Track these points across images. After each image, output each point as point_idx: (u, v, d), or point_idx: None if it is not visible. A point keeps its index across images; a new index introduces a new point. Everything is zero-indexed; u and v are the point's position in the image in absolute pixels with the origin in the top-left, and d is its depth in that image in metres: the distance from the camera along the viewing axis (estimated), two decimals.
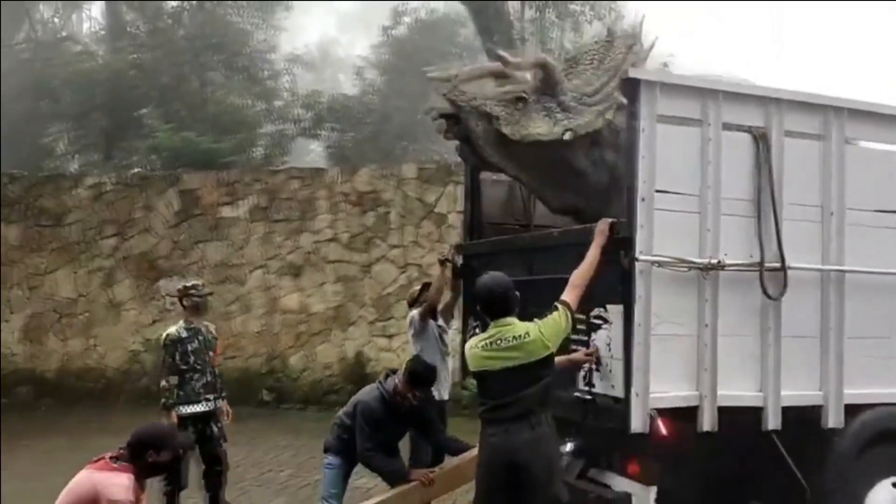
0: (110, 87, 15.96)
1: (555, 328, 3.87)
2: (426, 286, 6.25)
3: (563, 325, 3.89)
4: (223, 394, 6.31)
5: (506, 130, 4.12)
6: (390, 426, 4.92)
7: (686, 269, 4.02)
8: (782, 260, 4.16)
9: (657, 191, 3.97)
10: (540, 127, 4.14)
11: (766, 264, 4.14)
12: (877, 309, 4.50)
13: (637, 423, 3.90)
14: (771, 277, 4.15)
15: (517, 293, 4.02)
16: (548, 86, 4.25)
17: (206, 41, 15.65)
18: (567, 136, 4.19)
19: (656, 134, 3.98)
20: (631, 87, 4.02)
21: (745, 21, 37.78)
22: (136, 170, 14.11)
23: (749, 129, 4.22)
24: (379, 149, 15.63)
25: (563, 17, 13.61)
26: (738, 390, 4.16)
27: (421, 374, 4.91)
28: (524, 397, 3.83)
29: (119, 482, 3.49)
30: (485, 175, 5.61)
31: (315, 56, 19.80)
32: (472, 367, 4.06)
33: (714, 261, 4.05)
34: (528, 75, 4.42)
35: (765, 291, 4.14)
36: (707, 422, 4.05)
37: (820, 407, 4.36)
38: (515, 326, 3.90)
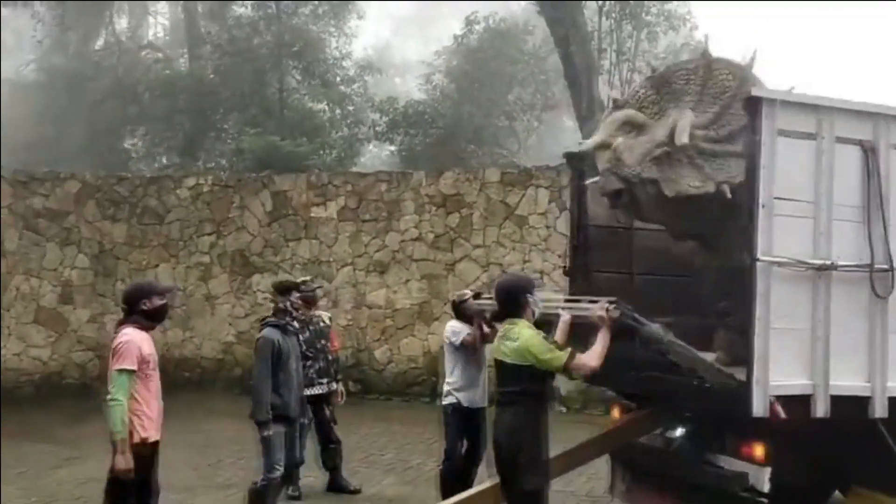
0: (192, 93, 16.75)
1: (541, 353, 4.19)
2: (477, 295, 6.40)
3: (553, 362, 4.19)
4: (338, 377, 6.99)
5: (667, 192, 4.46)
6: (285, 346, 5.67)
7: (802, 269, 4.40)
8: (890, 262, 4.51)
9: (776, 198, 4.35)
10: (690, 179, 4.45)
11: (876, 265, 4.50)
12: None
13: (758, 408, 4.27)
14: (879, 278, 4.51)
15: (530, 298, 4.41)
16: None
17: (286, 49, 16.27)
18: (726, 190, 4.46)
19: (776, 147, 4.37)
20: (753, 105, 4.41)
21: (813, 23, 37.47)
22: (228, 172, 14.68)
23: (859, 142, 4.56)
24: (448, 152, 16.08)
25: (639, 28, 13.82)
26: (848, 381, 4.51)
27: (280, 281, 6.38)
28: (512, 390, 4.35)
29: (120, 334, 4.39)
30: (589, 179, 5.98)
31: (373, 59, 20.36)
32: (493, 354, 4.58)
33: (827, 262, 4.42)
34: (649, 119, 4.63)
35: (874, 290, 4.50)
36: (820, 409, 4.42)
37: None
38: (515, 329, 4.34)
